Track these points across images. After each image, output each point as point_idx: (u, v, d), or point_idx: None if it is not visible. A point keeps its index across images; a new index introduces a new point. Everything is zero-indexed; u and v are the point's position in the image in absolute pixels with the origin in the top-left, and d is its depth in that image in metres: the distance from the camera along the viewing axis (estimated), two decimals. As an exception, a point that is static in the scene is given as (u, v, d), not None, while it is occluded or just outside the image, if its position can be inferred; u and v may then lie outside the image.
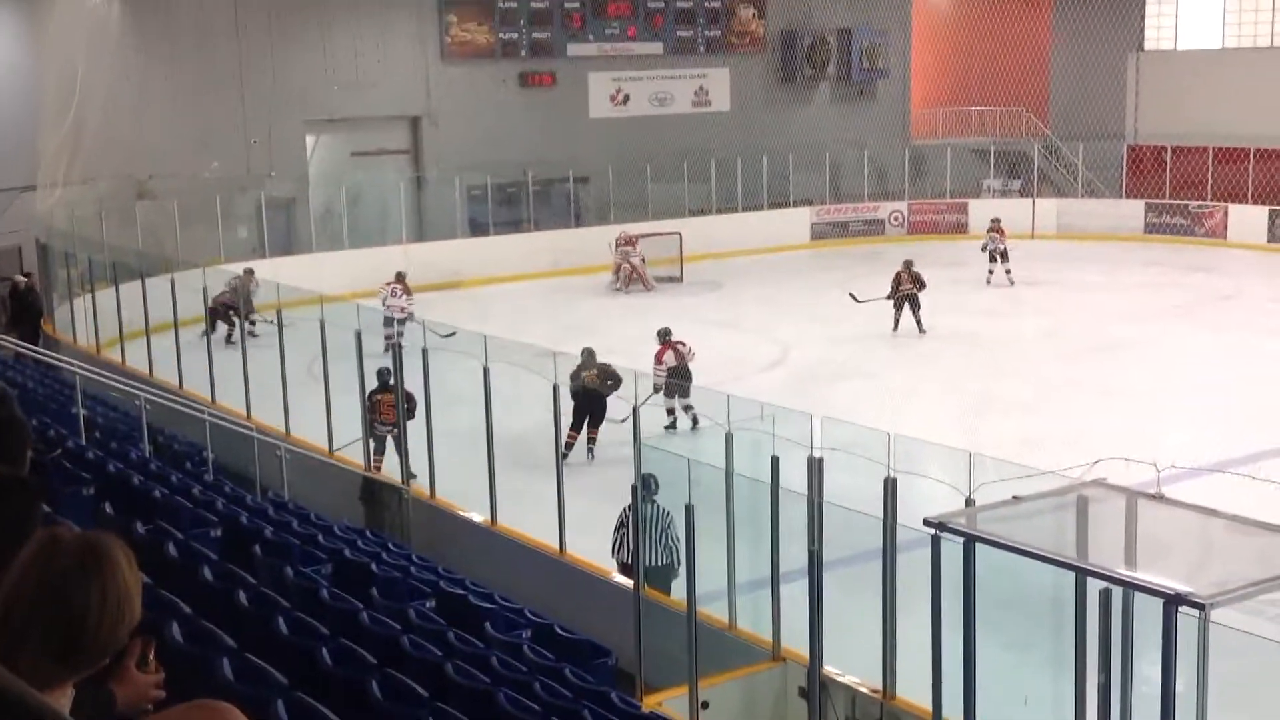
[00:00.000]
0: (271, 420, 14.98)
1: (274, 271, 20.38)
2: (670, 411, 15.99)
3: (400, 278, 22.77)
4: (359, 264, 26.96)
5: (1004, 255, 26.86)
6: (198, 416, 14.33)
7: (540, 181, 30.92)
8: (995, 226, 27.15)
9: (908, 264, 22.69)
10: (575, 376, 14.17)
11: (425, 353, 12.79)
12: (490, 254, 28.90)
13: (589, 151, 31.29)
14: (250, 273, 21.34)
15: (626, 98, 32.97)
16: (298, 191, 28.64)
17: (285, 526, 9.81)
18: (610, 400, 14.19)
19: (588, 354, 15.42)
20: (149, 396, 13.90)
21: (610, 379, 14.43)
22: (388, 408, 13.49)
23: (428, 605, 8.30)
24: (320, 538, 9.64)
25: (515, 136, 30.71)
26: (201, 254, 22.97)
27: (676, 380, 16.16)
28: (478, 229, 30.18)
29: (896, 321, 22.39)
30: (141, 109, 26.15)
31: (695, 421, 15.26)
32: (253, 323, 19.78)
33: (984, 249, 27.10)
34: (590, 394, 14.82)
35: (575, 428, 14.91)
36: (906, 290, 22.41)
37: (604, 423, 14.95)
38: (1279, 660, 5.86)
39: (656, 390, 15.41)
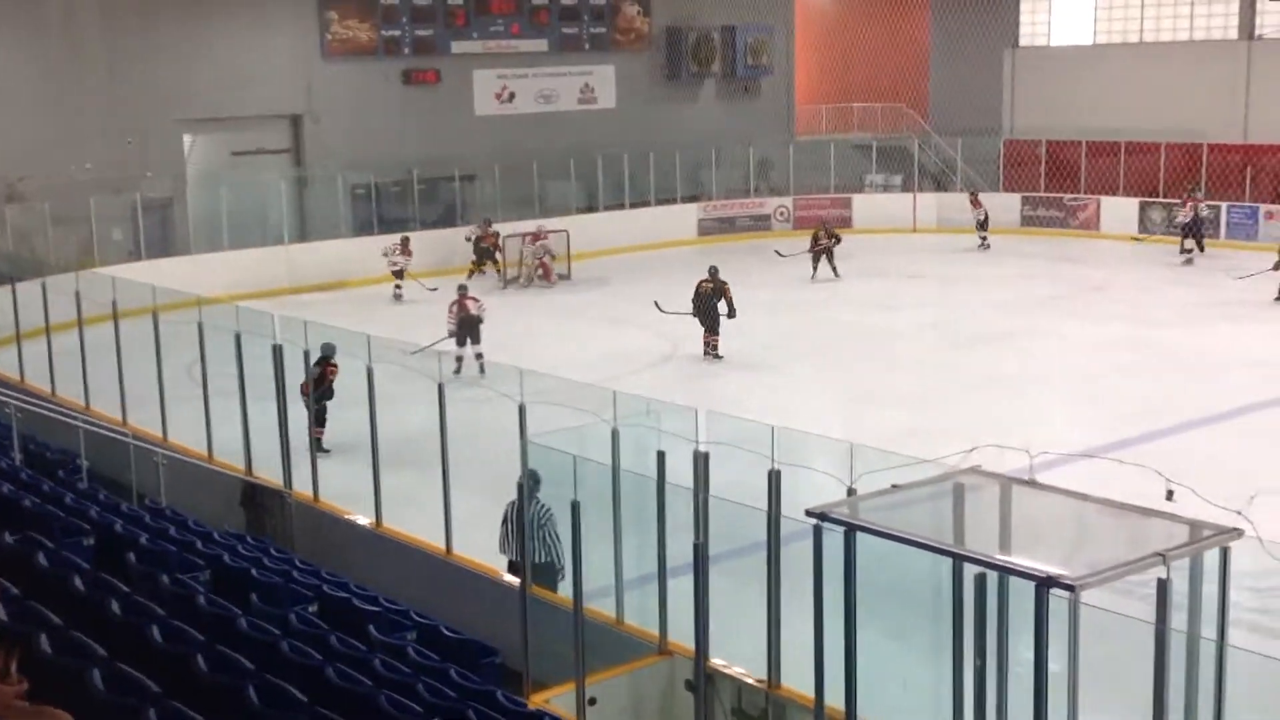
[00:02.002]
0: (149, 426, 14.65)
1: (150, 274, 19.93)
2: (459, 359, 18.39)
3: (405, 240, 26.53)
4: (239, 265, 26.51)
5: (981, 224, 30.33)
6: (71, 423, 13.95)
7: (426, 180, 30.68)
8: (973, 199, 31.17)
9: (824, 222, 28.40)
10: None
11: (307, 355, 12.60)
12: (375, 253, 28.58)
13: (475, 149, 31.12)
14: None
15: (512, 95, 32.85)
16: (175, 192, 28.04)
17: (162, 534, 9.60)
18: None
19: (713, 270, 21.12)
20: (20, 404, 13.50)
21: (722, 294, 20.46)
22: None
23: (309, 610, 8.18)
24: (198, 544, 9.45)
25: (399, 135, 30.44)
26: (75, 257, 22.40)
27: (465, 330, 19.51)
28: (362, 228, 29.83)
29: (815, 270, 27.12)
30: (9, 108, 25.43)
31: (483, 369, 18.48)
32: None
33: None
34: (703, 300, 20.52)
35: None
36: (824, 244, 27.20)
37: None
38: (1148, 640, 6.00)
39: (450, 336, 19.30)
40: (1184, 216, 28.70)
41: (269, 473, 12.98)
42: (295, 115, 29.97)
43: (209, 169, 28.81)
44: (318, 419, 14.49)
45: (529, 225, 28.93)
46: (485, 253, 28.08)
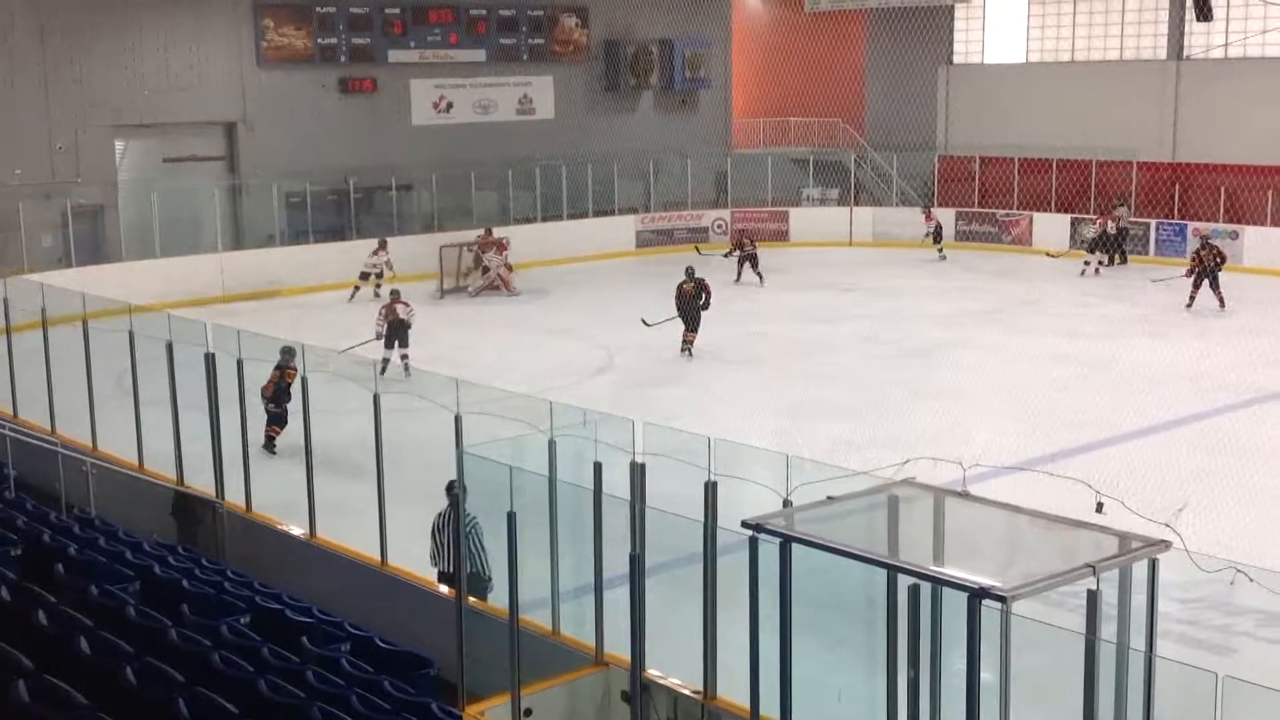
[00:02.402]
0: (78, 435, 14.42)
1: (80, 282, 19.63)
2: (385, 360, 18.94)
3: (382, 242, 27.44)
4: (171, 273, 26.21)
5: (935, 236, 31.75)
6: (-2, 432, 13.71)
7: (362, 189, 30.51)
8: (926, 213, 32.33)
9: (742, 231, 30.72)
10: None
11: (240, 364, 12.46)
12: (311, 262, 28.35)
13: (412, 159, 30.99)
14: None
15: (450, 105, 32.74)
16: (106, 199, 27.66)
17: (91, 544, 9.46)
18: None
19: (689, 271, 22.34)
20: (-56, 412, 13.23)
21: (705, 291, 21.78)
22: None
23: (242, 621, 8.09)
24: (128, 554, 9.32)
25: (336, 143, 30.25)
26: (3, 263, 22.02)
27: (394, 333, 20.14)
28: (297, 237, 29.58)
29: (739, 275, 28.48)
30: (-64, 111, 25.01)
31: (408, 370, 19.01)
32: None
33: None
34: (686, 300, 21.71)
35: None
36: (748, 250, 28.84)
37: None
38: (1079, 650, 6.07)
39: (378, 338, 20.11)
40: (1092, 231, 29.88)
41: (201, 483, 12.82)
42: (229, 122, 29.69)
43: (141, 175, 28.45)
44: (277, 420, 15.65)
45: (468, 235, 28.87)
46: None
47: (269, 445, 15.56)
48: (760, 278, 28.25)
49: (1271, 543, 12.32)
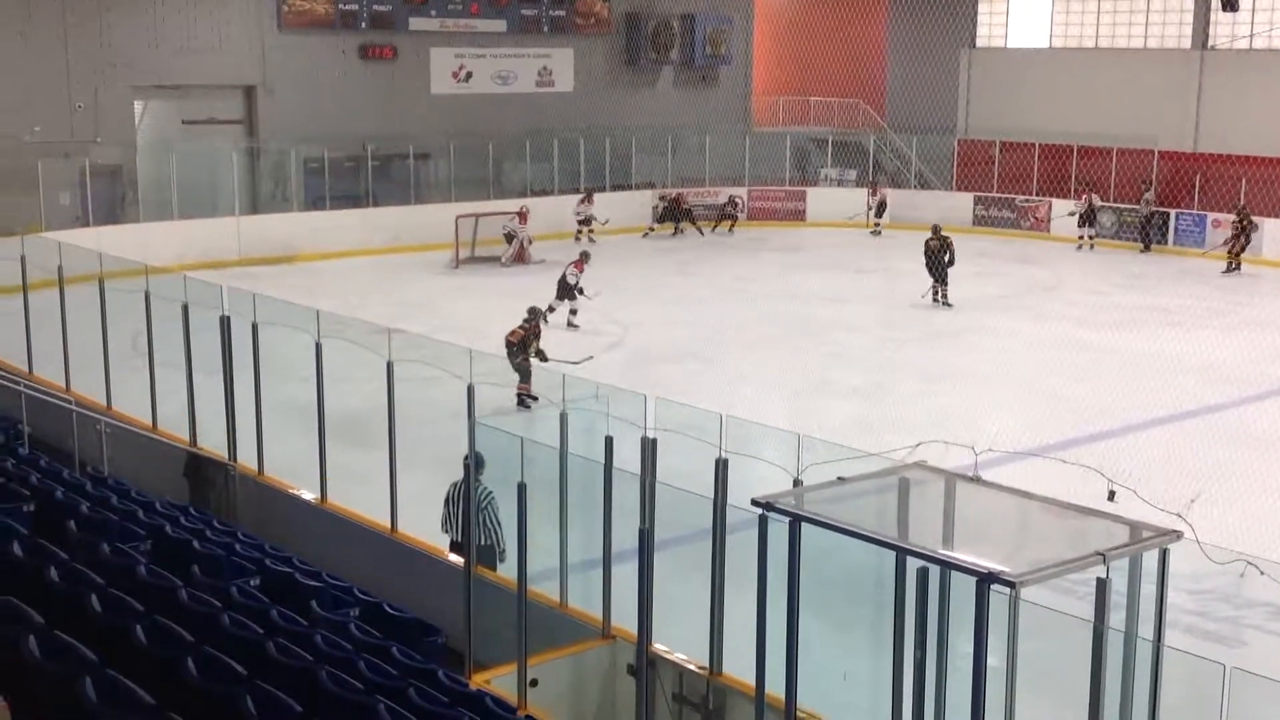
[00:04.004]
0: (92, 394, 14.47)
1: (97, 241, 19.67)
2: (574, 311, 21.57)
3: (589, 193, 30.25)
4: (188, 235, 26.23)
5: (877, 210, 32.85)
6: (13, 388, 13.75)
7: (380, 156, 30.47)
8: (872, 187, 33.40)
9: (678, 195, 32.63)
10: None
11: (255, 327, 12.47)
12: (327, 229, 28.36)
13: (430, 128, 30.93)
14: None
15: (469, 75, 32.67)
16: (124, 159, 27.67)
17: (103, 502, 9.49)
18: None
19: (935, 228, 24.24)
20: (-40, 367, 13.28)
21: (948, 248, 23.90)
22: None
23: (251, 583, 8.13)
24: (140, 514, 9.36)
25: (354, 110, 30.21)
26: (20, 221, 22.02)
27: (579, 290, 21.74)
28: (314, 202, 29.58)
29: (709, 231, 31.96)
30: (-43, 68, 25.00)
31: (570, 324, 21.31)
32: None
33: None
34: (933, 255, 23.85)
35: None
36: (729, 212, 32.32)
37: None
38: (1086, 637, 6.07)
39: (581, 293, 21.73)
40: (1079, 208, 31.13)
41: (214, 445, 12.87)
42: (249, 86, 29.65)
43: (160, 137, 28.45)
44: (524, 375, 16.48)
45: (485, 206, 28.87)
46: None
47: (527, 397, 16.20)
48: (700, 231, 31.21)
49: (1282, 536, 12.29)
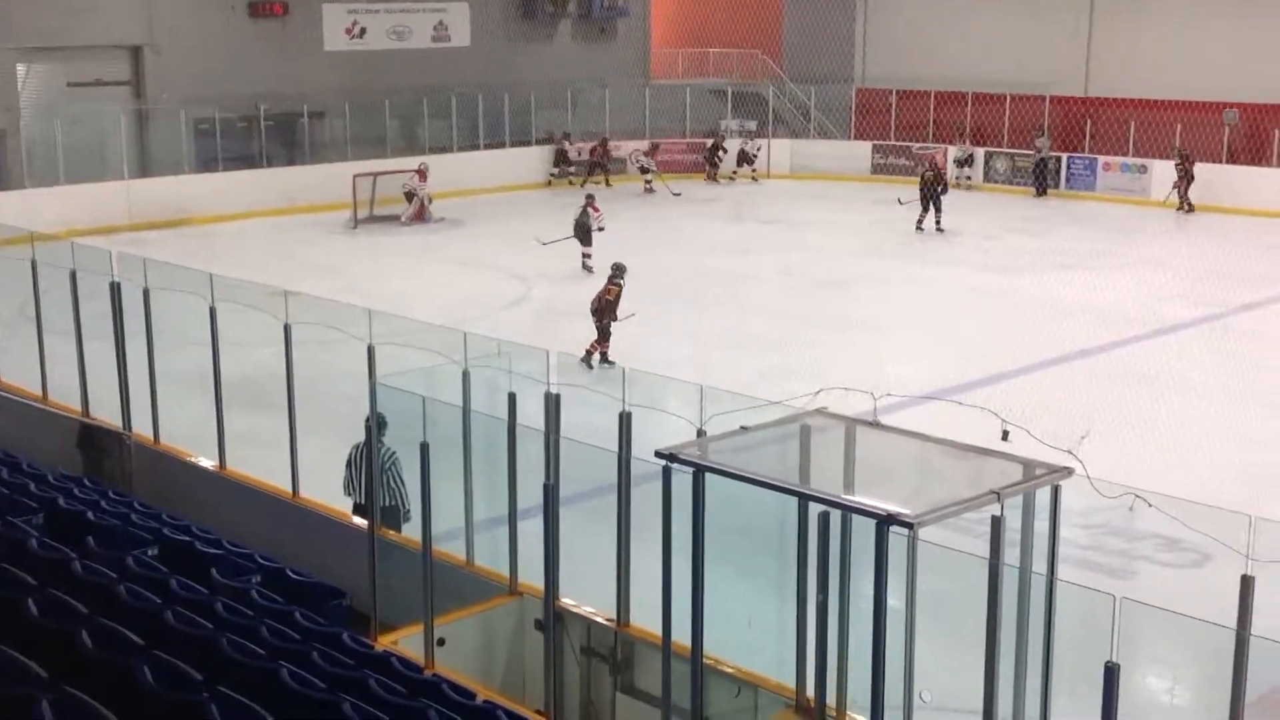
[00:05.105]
0: (-21, 366, 14.09)
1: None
2: (589, 255, 22.25)
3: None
4: (76, 200, 25.57)
5: (748, 159, 33.49)
6: (-105, 362, 13.34)
7: (273, 116, 29.90)
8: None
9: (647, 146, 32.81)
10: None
11: (146, 292, 12.21)
12: (220, 190, 27.81)
13: (324, 86, 30.40)
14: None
15: (363, 31, 32.13)
16: (7, 124, 26.86)
17: (-7, 476, 9.27)
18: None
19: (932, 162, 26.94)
20: None
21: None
22: None
23: (149, 553, 7.99)
24: (32, 486, 9.15)
25: (245, 69, 29.57)
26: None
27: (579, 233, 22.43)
28: (206, 164, 28.96)
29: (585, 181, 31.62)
30: None
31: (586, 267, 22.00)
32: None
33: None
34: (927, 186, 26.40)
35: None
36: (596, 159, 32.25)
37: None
38: (983, 575, 6.18)
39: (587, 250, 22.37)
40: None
41: (108, 415, 12.60)
42: (135, 46, 28.88)
43: (44, 100, 27.62)
44: (604, 336, 16.64)
45: (384, 164, 28.52)
46: (597, 166, 32.47)
47: (604, 359, 16.38)
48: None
49: (1170, 470, 12.64)
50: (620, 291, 16.88)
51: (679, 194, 31.10)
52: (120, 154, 27.17)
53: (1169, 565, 10.96)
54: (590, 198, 23.52)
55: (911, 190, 28.47)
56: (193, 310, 11.80)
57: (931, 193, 26.35)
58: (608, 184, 32.38)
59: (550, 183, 32.40)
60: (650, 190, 31.74)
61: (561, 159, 33.06)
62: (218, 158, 28.82)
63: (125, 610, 6.19)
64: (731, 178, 33.39)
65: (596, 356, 16.56)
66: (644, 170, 32.16)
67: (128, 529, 8.53)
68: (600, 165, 32.89)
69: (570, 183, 32.13)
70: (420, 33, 33.10)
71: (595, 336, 16.77)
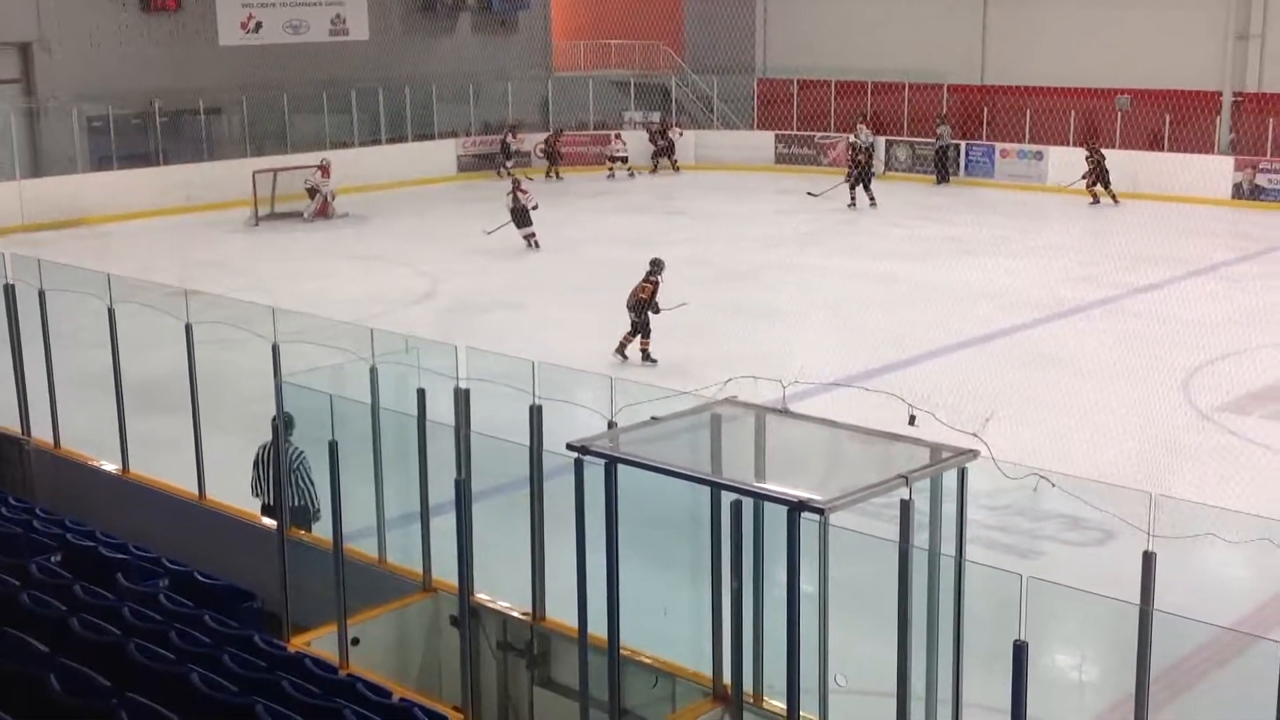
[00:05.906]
0: None
1: None
2: (533, 234, 23.52)
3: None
4: (-35, 202, 24.94)
5: (667, 151, 33.89)
6: None
7: (168, 113, 29.36)
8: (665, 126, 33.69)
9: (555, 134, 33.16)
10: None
11: (42, 294, 11.93)
12: (116, 189, 27.26)
13: (221, 81, 29.92)
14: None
15: (259, 25, 31.65)
16: (-109, 123, 26.11)
17: (-115, 487, 9.00)
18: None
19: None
20: None
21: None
22: None
23: (53, 560, 7.82)
24: (-73, 497, 8.90)
25: (139, 65, 29.01)
26: None
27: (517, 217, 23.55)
28: (101, 162, 28.35)
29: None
30: None
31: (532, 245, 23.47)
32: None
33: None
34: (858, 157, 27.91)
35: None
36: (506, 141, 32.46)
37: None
38: (894, 558, 6.27)
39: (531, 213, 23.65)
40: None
41: (5, 420, 12.29)
42: (24, 43, 28.18)
43: (-71, 99, 26.90)
44: (644, 331, 16.79)
45: (283, 160, 28.12)
46: (552, 157, 32.68)
47: (621, 351, 16.74)
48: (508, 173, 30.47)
49: (1073, 450, 12.92)
50: (657, 288, 16.93)
51: (633, 176, 32.97)
52: (11, 153, 26.50)
53: (1074, 544, 11.20)
54: (516, 181, 24.25)
55: (817, 180, 28.76)
56: (91, 312, 11.56)
57: (864, 172, 27.82)
58: (558, 176, 32.42)
59: (500, 175, 31.68)
60: (613, 178, 32.79)
61: (505, 152, 32.88)
62: (112, 156, 28.24)
63: (29, 618, 6.06)
64: (654, 169, 33.48)
65: (634, 349, 16.81)
66: (613, 158, 33.33)
67: (30, 536, 8.34)
68: (552, 157, 32.91)
69: (500, 175, 31.78)
70: (318, 26, 32.69)
71: (628, 329, 16.95)
